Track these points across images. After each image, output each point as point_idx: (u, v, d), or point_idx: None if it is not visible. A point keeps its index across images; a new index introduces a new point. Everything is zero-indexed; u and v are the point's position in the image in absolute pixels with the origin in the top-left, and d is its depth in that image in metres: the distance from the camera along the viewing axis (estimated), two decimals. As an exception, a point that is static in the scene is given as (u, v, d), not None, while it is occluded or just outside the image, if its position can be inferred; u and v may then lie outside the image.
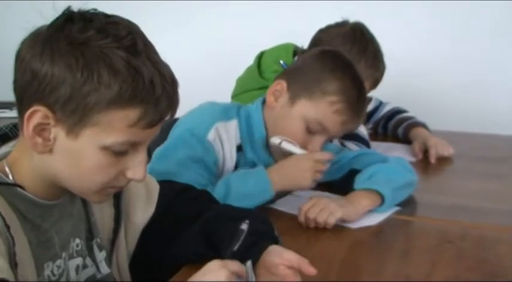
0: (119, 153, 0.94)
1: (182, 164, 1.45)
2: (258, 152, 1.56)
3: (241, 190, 1.43)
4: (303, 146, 1.51)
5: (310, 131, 1.51)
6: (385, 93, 2.17)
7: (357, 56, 1.92)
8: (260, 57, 2.08)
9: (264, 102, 1.60)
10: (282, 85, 1.55)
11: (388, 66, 2.00)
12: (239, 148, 1.56)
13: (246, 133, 1.57)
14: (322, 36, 2.01)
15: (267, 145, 1.56)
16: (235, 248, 1.05)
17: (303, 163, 1.47)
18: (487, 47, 2.68)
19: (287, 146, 1.50)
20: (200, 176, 1.45)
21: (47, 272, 0.98)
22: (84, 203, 1.09)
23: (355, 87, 1.51)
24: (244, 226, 1.07)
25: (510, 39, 2.66)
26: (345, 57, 1.58)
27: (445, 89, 2.74)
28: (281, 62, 2.02)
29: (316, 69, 1.54)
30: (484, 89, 2.71)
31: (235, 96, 2.06)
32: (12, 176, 0.96)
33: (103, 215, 1.12)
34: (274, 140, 1.52)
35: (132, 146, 0.95)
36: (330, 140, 1.61)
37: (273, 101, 1.56)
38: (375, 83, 1.97)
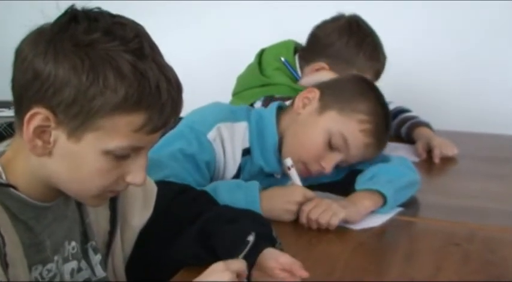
0: (121, 157, 0.92)
1: (172, 156, 1.42)
2: (267, 157, 1.52)
3: (227, 201, 1.33)
4: (318, 160, 1.48)
5: (330, 146, 1.48)
6: (385, 93, 2.16)
7: (355, 49, 1.91)
8: (261, 54, 2.07)
9: (279, 107, 1.57)
10: (315, 93, 1.53)
11: (388, 66, 1.98)
12: (246, 151, 1.52)
13: (256, 137, 1.53)
14: (318, 33, 2.00)
15: (278, 152, 1.52)
16: (239, 257, 1.04)
17: (295, 195, 1.41)
18: (487, 47, 2.66)
19: (293, 173, 1.46)
20: (185, 171, 1.40)
21: (34, 275, 0.96)
22: (79, 204, 1.07)
23: (384, 116, 1.51)
24: (251, 238, 1.04)
25: (510, 39, 2.65)
26: (379, 89, 1.58)
27: (446, 89, 2.73)
28: (282, 59, 2.00)
29: (351, 89, 1.53)
30: (484, 89, 2.70)
31: (236, 94, 2.04)
32: (6, 176, 0.94)
33: (98, 217, 1.10)
34: (287, 162, 1.47)
35: (134, 150, 0.93)
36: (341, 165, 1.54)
37: (301, 107, 1.52)
38: (377, 74, 1.94)
